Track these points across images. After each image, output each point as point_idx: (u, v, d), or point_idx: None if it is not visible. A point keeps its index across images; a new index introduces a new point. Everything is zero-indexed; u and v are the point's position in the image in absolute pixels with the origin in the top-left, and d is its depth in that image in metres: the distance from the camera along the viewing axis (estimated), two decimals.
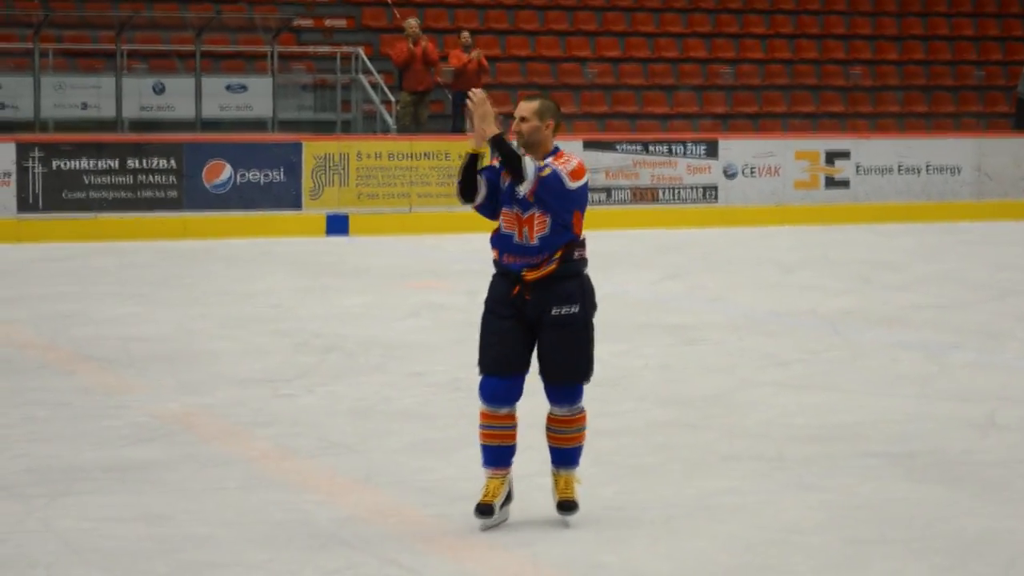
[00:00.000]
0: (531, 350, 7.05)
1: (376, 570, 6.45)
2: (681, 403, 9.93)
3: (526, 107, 7.02)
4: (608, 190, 22.51)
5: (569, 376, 7.03)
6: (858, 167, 23.91)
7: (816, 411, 9.69)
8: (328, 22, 27.44)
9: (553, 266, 6.96)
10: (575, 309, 6.99)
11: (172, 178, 20.64)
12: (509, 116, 7.40)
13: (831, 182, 23.81)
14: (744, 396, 10.19)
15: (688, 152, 23.02)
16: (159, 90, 23.72)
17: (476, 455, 7.21)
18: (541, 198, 6.91)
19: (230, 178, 20.83)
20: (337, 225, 21.10)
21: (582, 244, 7.05)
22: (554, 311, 6.96)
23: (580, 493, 7.16)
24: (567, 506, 7.09)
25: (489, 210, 7.06)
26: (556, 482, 7.16)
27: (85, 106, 23.40)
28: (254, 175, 20.95)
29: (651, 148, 22.89)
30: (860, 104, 29.20)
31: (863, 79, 29.47)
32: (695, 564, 6.57)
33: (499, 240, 7.04)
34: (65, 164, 20.21)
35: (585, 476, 7.32)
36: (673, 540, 6.89)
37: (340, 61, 25.13)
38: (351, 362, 11.37)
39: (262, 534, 6.92)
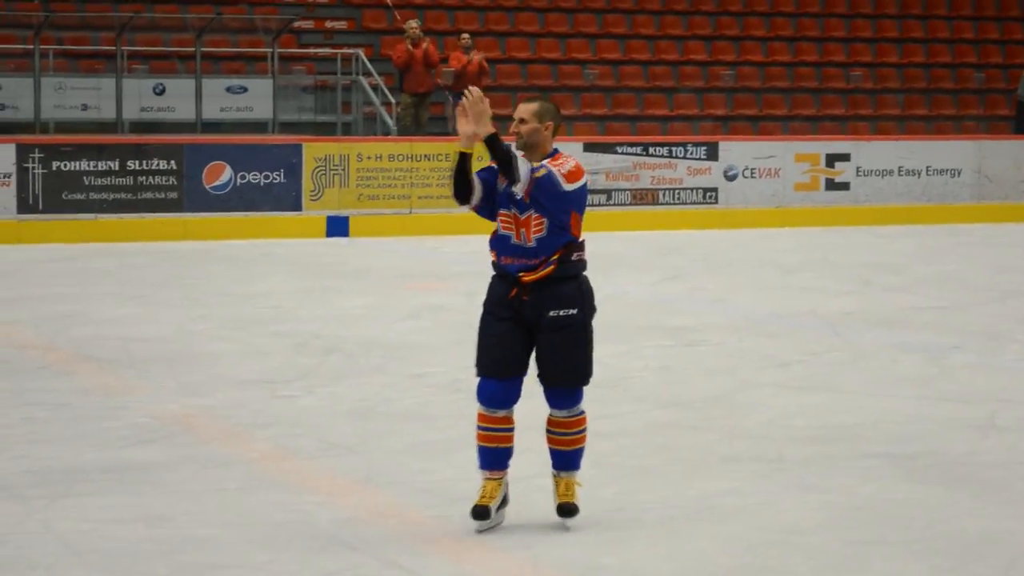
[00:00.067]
0: (529, 352, 7.03)
1: (376, 571, 6.45)
2: (681, 404, 9.93)
3: (525, 109, 7.02)
4: (608, 192, 22.51)
5: (567, 379, 7.01)
6: (858, 169, 23.91)
7: (816, 412, 9.69)
8: (329, 24, 27.45)
9: (551, 268, 6.94)
10: (573, 311, 6.96)
11: (172, 179, 20.64)
12: (509, 119, 7.40)
13: (831, 184, 23.80)
14: (744, 397, 10.19)
15: (688, 154, 23.02)
16: (159, 91, 23.73)
17: (476, 456, 7.20)
18: (536, 199, 6.89)
19: (230, 179, 20.83)
20: (337, 227, 21.09)
21: (581, 246, 7.02)
22: (552, 313, 6.94)
23: (580, 495, 7.15)
24: (567, 510, 7.07)
25: (487, 211, 7.05)
26: (556, 485, 7.14)
27: (85, 107, 23.41)
28: (254, 177, 20.95)
29: (651, 150, 22.89)
30: (860, 107, 29.21)
31: (863, 82, 29.48)
32: (695, 565, 6.57)
33: (497, 241, 7.03)
34: (65, 165, 20.21)
35: (585, 477, 7.31)
36: (673, 541, 6.89)
37: (340, 63, 25.13)
38: (351, 363, 11.37)
39: (262, 535, 6.92)
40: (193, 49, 23.83)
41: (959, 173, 24.47)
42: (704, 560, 6.62)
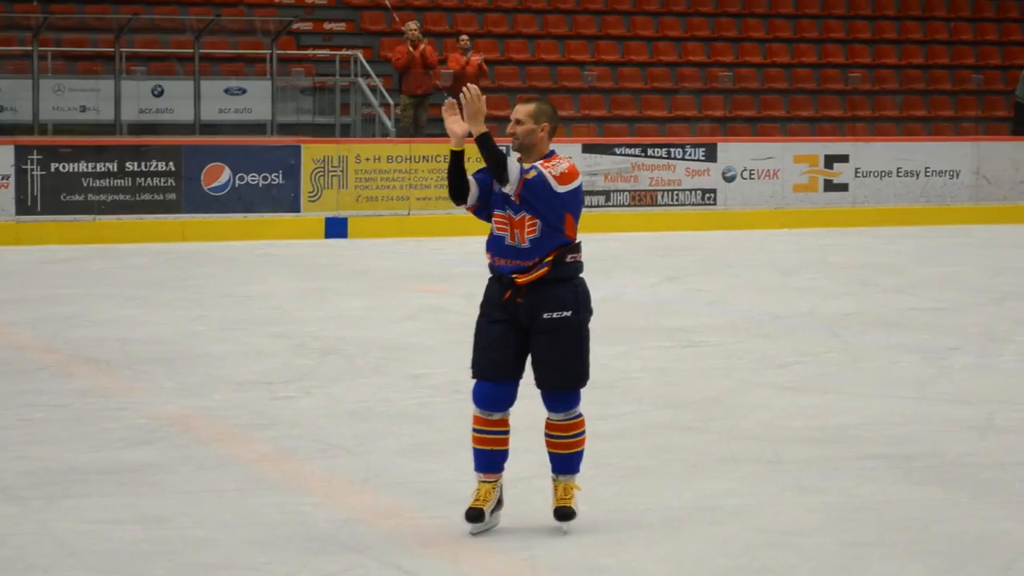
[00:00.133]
0: (525, 355, 7.00)
1: (375, 572, 6.45)
2: (680, 405, 9.93)
3: (522, 110, 7.01)
4: (607, 193, 22.51)
5: (562, 382, 6.98)
6: (857, 170, 23.91)
7: (815, 413, 9.69)
8: (327, 25, 27.45)
9: (544, 270, 6.91)
10: (567, 314, 6.93)
11: (171, 181, 20.63)
12: (508, 120, 7.39)
13: (830, 185, 23.80)
14: (743, 398, 10.19)
15: (687, 155, 23.02)
16: (158, 93, 23.73)
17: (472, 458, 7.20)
18: (527, 200, 6.87)
19: (229, 181, 20.82)
20: (336, 228, 21.09)
21: (576, 248, 6.99)
22: (546, 316, 6.91)
23: (579, 497, 7.13)
24: (564, 514, 7.04)
25: (484, 213, 7.04)
26: (555, 489, 7.11)
27: (84, 109, 23.41)
28: (253, 178, 20.94)
29: (650, 151, 22.88)
30: (859, 108, 29.21)
31: (862, 83, 29.48)
32: (694, 566, 6.57)
33: (492, 243, 7.01)
34: (64, 167, 20.21)
35: (583, 479, 7.29)
36: (671, 542, 6.89)
37: (339, 64, 25.14)
38: (350, 364, 11.37)
39: (260, 536, 6.92)
40: (192, 51, 23.84)
41: (957, 174, 24.47)
42: (702, 561, 6.62)
